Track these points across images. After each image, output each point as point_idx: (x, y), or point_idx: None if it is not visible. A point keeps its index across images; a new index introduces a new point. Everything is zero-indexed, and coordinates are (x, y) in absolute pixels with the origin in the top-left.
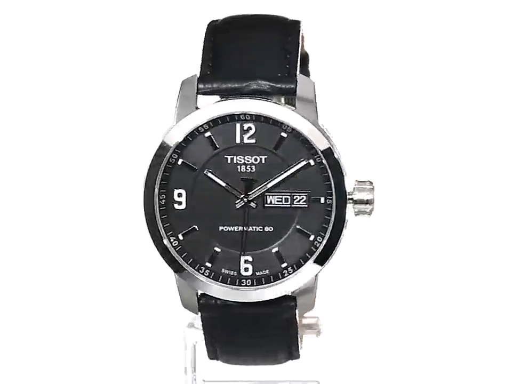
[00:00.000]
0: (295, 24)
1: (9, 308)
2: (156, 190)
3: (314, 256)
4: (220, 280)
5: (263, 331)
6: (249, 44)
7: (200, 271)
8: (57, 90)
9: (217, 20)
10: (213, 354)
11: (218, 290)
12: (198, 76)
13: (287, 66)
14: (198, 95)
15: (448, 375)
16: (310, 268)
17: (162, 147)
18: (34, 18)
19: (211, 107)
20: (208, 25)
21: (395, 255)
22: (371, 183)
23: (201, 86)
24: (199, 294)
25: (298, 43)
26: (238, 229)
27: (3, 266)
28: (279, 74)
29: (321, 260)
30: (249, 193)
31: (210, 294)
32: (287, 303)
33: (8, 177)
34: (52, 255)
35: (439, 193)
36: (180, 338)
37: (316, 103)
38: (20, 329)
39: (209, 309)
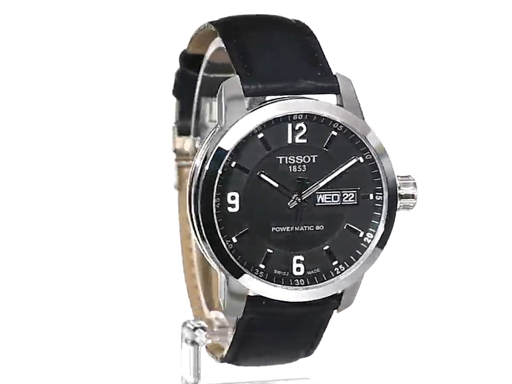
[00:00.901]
0: (304, 25)
1: (7, 306)
2: (214, 195)
3: (365, 253)
4: (273, 281)
5: (300, 330)
6: (274, 44)
7: (254, 273)
8: (60, 90)
9: (217, 20)
10: (231, 357)
11: (273, 291)
12: (239, 77)
13: (320, 65)
14: (246, 97)
15: (443, 375)
16: (361, 265)
17: (219, 151)
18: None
19: (264, 109)
20: (217, 25)
21: (393, 255)
22: (412, 178)
23: (246, 87)
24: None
25: (319, 42)
26: (290, 229)
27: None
28: (319, 73)
29: (372, 257)
30: (302, 193)
31: (265, 295)
32: (333, 300)
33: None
34: (51, 254)
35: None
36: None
37: (358, 99)
38: (18, 325)
39: (255, 311)
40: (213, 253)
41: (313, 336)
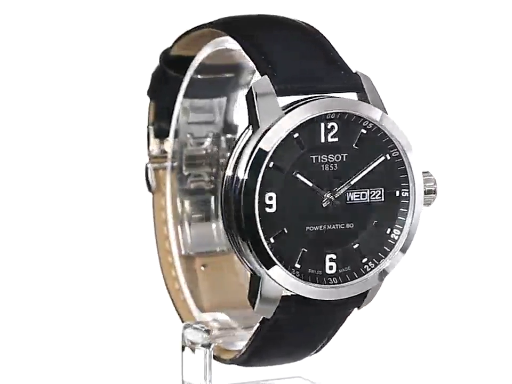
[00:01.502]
0: (308, 25)
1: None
2: (256, 195)
3: (394, 250)
4: (309, 280)
5: (321, 328)
6: (290, 44)
7: (291, 272)
8: (63, 90)
9: (218, 21)
10: (245, 359)
11: (308, 290)
12: (268, 77)
13: (339, 64)
14: (278, 97)
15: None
16: (387, 261)
17: (260, 153)
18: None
19: (300, 109)
20: (223, 25)
21: None
22: (431, 173)
23: (278, 87)
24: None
25: (330, 41)
26: (322, 227)
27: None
28: (342, 72)
29: (397, 252)
30: (335, 192)
31: (301, 294)
32: (359, 298)
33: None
34: (50, 254)
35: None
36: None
37: (380, 96)
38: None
39: (286, 311)
40: (254, 254)
41: (330, 334)
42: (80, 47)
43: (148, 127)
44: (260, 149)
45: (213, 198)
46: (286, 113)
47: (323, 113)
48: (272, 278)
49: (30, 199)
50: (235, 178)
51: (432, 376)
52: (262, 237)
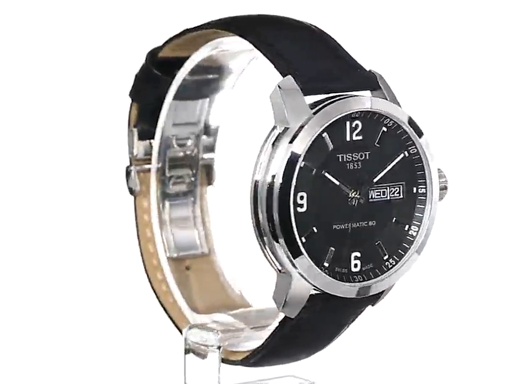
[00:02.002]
0: (312, 25)
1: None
2: (291, 194)
3: (413, 246)
4: (337, 278)
5: (337, 326)
6: (302, 43)
7: (321, 271)
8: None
9: (220, 21)
10: (257, 359)
11: (337, 288)
12: (291, 76)
13: (352, 63)
14: (304, 96)
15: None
16: (410, 258)
17: (294, 154)
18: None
19: (329, 108)
20: (233, 23)
21: None
22: (442, 170)
23: (303, 86)
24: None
25: (338, 41)
26: (348, 226)
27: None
28: (359, 70)
29: (419, 249)
30: (360, 190)
31: (331, 293)
32: (376, 295)
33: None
34: (50, 255)
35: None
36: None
37: (394, 94)
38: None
39: (311, 310)
40: (289, 253)
41: (342, 331)
42: (60, 49)
43: (130, 129)
44: (293, 151)
45: (191, 200)
46: (314, 112)
47: (349, 112)
48: (304, 277)
49: (12, 202)
50: (268, 181)
51: (428, 377)
52: (297, 237)
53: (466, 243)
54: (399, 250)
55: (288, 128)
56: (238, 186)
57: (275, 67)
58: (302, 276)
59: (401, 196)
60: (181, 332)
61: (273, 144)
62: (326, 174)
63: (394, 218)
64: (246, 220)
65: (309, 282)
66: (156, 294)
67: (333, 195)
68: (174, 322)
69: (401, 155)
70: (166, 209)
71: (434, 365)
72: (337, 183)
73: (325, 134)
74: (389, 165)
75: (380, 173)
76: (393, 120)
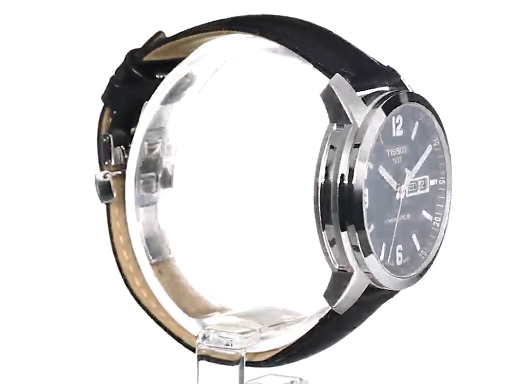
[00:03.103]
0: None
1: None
2: (362, 195)
3: (438, 236)
4: (389, 272)
5: (367, 316)
6: (323, 43)
7: (381, 266)
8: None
9: (229, 20)
10: (288, 356)
11: (392, 282)
12: (339, 74)
13: (373, 60)
14: (356, 93)
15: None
16: (434, 248)
17: (362, 152)
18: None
19: (385, 105)
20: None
21: None
22: None
23: (355, 84)
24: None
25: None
26: (394, 220)
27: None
28: (381, 66)
29: (441, 239)
30: (403, 185)
31: (388, 287)
32: None
33: None
34: (52, 257)
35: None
36: None
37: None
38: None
39: (359, 304)
40: (361, 252)
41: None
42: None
43: (103, 135)
44: (362, 149)
45: (156, 204)
46: (373, 108)
47: (397, 107)
48: (368, 273)
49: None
50: (338, 181)
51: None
52: (368, 235)
53: (467, 243)
54: (428, 242)
55: (347, 125)
56: (197, 189)
57: (320, 67)
58: (366, 272)
59: (427, 189)
60: (172, 334)
61: (331, 145)
62: (380, 170)
63: (423, 211)
64: (207, 223)
65: (372, 278)
66: (137, 300)
67: (385, 190)
68: (162, 326)
69: (430, 148)
70: (139, 214)
71: (431, 364)
72: (390, 177)
73: (381, 130)
74: (422, 158)
75: (416, 166)
76: (425, 114)
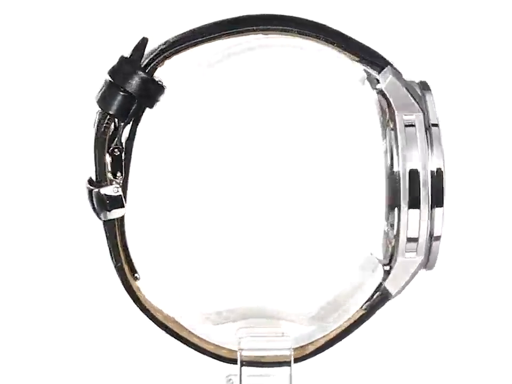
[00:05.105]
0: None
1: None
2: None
3: None
4: None
5: None
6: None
7: None
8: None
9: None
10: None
11: None
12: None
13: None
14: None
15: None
16: None
17: (434, 133)
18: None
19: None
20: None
21: None
22: None
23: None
24: None
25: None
26: None
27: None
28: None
29: None
30: None
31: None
32: None
33: None
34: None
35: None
36: None
37: None
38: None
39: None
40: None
41: None
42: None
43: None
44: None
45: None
46: (423, 95)
47: None
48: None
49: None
50: (433, 170)
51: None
52: None
53: (466, 243)
54: None
55: (420, 111)
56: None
57: (373, 61)
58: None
59: None
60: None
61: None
62: None
63: None
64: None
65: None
66: (145, 311)
67: None
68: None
69: None
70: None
71: (431, 364)
72: None
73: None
74: None
75: None
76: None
